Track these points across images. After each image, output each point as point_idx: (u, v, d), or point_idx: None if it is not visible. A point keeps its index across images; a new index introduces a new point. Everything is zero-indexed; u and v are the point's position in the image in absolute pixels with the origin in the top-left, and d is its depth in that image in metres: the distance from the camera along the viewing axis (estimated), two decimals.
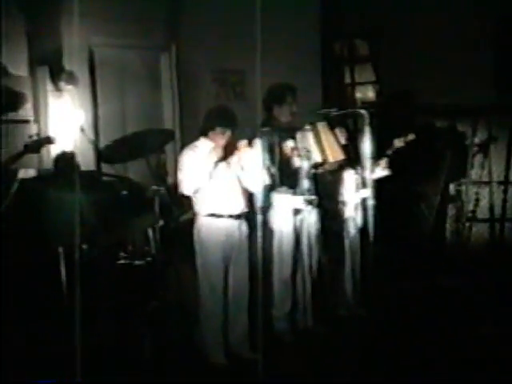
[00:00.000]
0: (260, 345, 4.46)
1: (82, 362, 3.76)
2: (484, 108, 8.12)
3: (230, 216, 5.32)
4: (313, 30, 8.64)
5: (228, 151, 5.32)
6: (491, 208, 8.38)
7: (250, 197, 5.42)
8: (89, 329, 4.78)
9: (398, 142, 6.60)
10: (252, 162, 5.32)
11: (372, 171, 6.29)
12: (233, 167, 5.34)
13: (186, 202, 5.47)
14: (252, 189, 5.37)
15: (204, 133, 5.39)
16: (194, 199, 5.38)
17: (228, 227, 5.31)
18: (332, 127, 5.91)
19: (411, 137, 6.62)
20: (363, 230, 6.36)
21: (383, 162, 6.53)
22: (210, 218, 5.30)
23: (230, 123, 5.34)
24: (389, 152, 6.57)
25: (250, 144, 5.34)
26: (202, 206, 5.32)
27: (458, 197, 8.45)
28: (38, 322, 5.23)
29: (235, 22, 7.61)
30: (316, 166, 5.70)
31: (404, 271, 7.38)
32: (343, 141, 6.03)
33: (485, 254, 8.11)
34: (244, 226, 5.40)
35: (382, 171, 6.53)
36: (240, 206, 5.38)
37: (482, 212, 8.44)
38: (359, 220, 6.43)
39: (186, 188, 5.30)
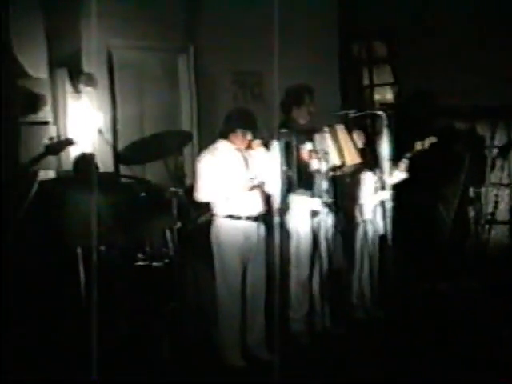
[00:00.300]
0: (277, 346, 4.46)
1: (100, 362, 3.79)
2: (503, 109, 8.08)
3: (248, 218, 5.32)
4: (330, 31, 8.62)
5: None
6: (511, 210, 8.33)
7: (267, 198, 5.41)
8: (107, 329, 4.83)
9: (420, 145, 6.56)
10: (267, 162, 5.32)
11: (391, 174, 6.29)
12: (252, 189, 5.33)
13: (203, 204, 5.47)
14: (270, 191, 5.37)
15: (224, 135, 5.37)
16: (211, 201, 5.37)
17: (246, 229, 5.31)
18: (350, 130, 5.89)
19: (433, 139, 6.58)
20: (381, 232, 6.36)
21: (403, 164, 6.50)
22: (227, 219, 5.30)
23: (251, 125, 5.33)
24: (409, 155, 6.53)
25: (265, 144, 5.34)
26: (219, 208, 5.32)
27: (477, 199, 8.40)
28: (56, 323, 5.25)
29: (253, 23, 7.60)
30: (334, 168, 5.69)
31: (422, 273, 7.35)
32: (360, 144, 6.02)
33: (504, 256, 8.05)
34: (262, 228, 5.39)
35: (401, 174, 6.51)
36: (258, 208, 5.37)
37: (502, 214, 8.39)
38: (377, 222, 6.41)
39: (204, 195, 5.31)
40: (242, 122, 5.32)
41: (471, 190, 8.35)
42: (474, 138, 8.42)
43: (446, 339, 5.74)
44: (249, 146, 5.33)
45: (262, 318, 5.36)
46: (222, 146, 5.36)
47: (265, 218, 5.39)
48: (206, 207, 5.49)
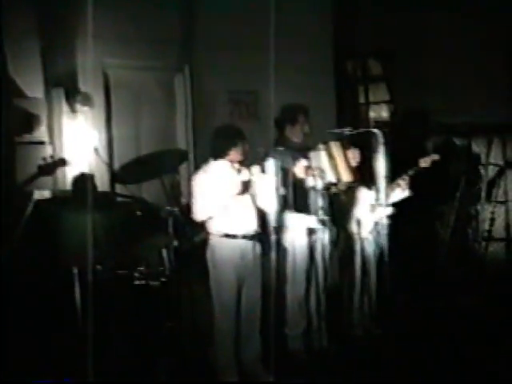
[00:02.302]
0: (272, 364, 4.44)
1: (97, 382, 3.76)
2: (499, 127, 8.10)
3: (244, 236, 5.31)
4: (326, 49, 8.65)
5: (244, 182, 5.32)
6: (507, 227, 8.34)
7: (263, 217, 5.41)
8: (104, 349, 4.81)
9: (423, 163, 6.54)
10: (265, 185, 5.32)
11: (392, 191, 6.28)
12: (247, 191, 5.33)
13: (199, 223, 5.47)
14: (266, 209, 5.37)
15: (220, 153, 5.34)
16: (207, 220, 5.37)
17: (242, 248, 5.30)
18: (345, 147, 5.90)
19: (435, 157, 6.56)
20: (378, 250, 6.35)
21: (404, 182, 6.48)
22: (223, 238, 5.29)
23: (243, 137, 5.35)
24: (411, 172, 6.51)
25: (262, 169, 5.34)
26: (215, 227, 5.32)
27: (473, 216, 8.40)
28: (52, 343, 5.22)
29: (249, 42, 7.64)
30: (329, 185, 5.69)
31: (419, 290, 7.33)
32: (356, 162, 6.01)
33: (501, 273, 8.04)
34: (257, 247, 5.38)
35: (402, 192, 6.49)
36: (254, 227, 5.36)
37: (498, 231, 8.39)
38: (374, 239, 6.40)
39: (199, 214, 5.30)
40: (238, 136, 5.33)
41: (467, 207, 8.35)
42: (469, 155, 8.43)
43: (444, 356, 5.72)
44: (241, 163, 5.33)
45: (257, 337, 5.34)
46: (217, 164, 5.35)
47: (260, 236, 5.39)
48: (202, 226, 5.48)
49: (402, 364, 5.43)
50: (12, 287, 5.24)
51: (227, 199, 5.23)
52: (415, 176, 6.56)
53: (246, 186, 5.28)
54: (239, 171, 5.34)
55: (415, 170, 6.52)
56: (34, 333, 5.27)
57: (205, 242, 5.42)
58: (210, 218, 5.29)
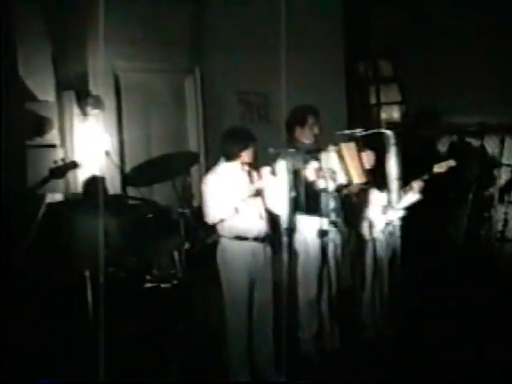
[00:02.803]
0: (284, 367, 4.43)
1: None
2: (511, 126, 8.07)
3: (255, 238, 5.30)
4: (337, 51, 8.65)
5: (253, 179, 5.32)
6: None
7: (274, 219, 5.40)
8: (116, 352, 4.81)
9: (438, 168, 6.50)
10: (276, 187, 5.32)
11: (404, 194, 6.25)
12: (258, 193, 5.32)
13: (211, 225, 5.46)
14: (277, 211, 5.36)
15: (230, 156, 5.35)
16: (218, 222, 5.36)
17: (253, 250, 5.29)
18: (358, 149, 5.87)
19: (452, 163, 6.52)
20: (390, 251, 6.33)
21: (417, 185, 6.44)
22: (234, 240, 5.28)
23: (254, 138, 5.35)
24: (425, 177, 6.47)
25: (273, 171, 5.33)
26: (226, 229, 5.31)
27: (486, 218, 8.37)
28: (64, 345, 5.23)
29: (259, 44, 7.65)
30: (341, 187, 5.67)
31: (432, 292, 7.31)
32: (368, 165, 5.98)
33: None
34: (268, 249, 5.37)
35: (414, 196, 6.46)
36: (265, 229, 5.35)
37: (511, 232, 8.36)
38: (386, 241, 6.38)
39: (211, 217, 5.28)
40: (248, 137, 5.32)
41: (480, 208, 8.31)
42: (482, 156, 8.40)
43: (457, 358, 5.69)
44: (251, 164, 5.33)
45: (270, 338, 5.33)
46: (228, 166, 5.35)
47: (271, 238, 5.38)
48: (213, 228, 5.48)
49: (414, 365, 5.40)
50: (24, 289, 5.26)
51: (239, 203, 5.21)
52: (432, 180, 6.51)
53: (258, 191, 5.27)
54: (250, 173, 5.34)
55: (429, 174, 6.48)
56: (46, 334, 5.28)
57: (216, 244, 5.42)
58: (222, 220, 5.29)
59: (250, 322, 5.29)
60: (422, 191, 6.46)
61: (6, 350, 4.88)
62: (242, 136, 5.37)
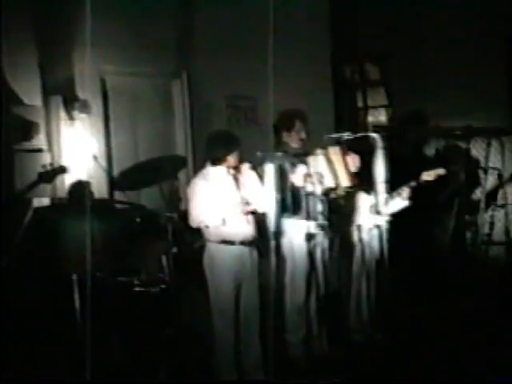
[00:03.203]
0: (271, 371, 4.43)
1: None
2: (497, 130, 8.10)
3: (242, 243, 5.29)
4: (324, 54, 8.67)
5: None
6: (507, 231, 8.32)
7: (260, 222, 5.40)
8: (102, 356, 4.80)
9: (427, 176, 6.51)
10: (256, 183, 5.32)
11: (392, 199, 6.27)
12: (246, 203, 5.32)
13: (197, 229, 5.46)
14: (260, 210, 5.36)
15: (217, 160, 5.34)
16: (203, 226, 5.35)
17: (239, 254, 5.28)
18: (344, 152, 5.89)
19: (441, 172, 6.54)
20: (377, 255, 6.33)
21: (405, 192, 6.46)
22: (221, 244, 5.27)
23: (239, 142, 5.35)
24: (413, 184, 6.48)
25: (253, 167, 5.33)
26: (212, 233, 5.30)
27: (473, 221, 8.38)
28: (51, 349, 5.21)
29: (247, 47, 7.66)
30: (328, 190, 5.68)
31: (419, 296, 7.32)
32: (354, 168, 5.99)
33: (502, 277, 8.03)
34: (255, 253, 5.37)
35: (402, 201, 6.48)
36: (251, 233, 5.35)
37: (498, 235, 8.38)
38: (373, 245, 6.39)
39: (196, 221, 5.28)
40: (235, 142, 5.33)
41: (467, 211, 8.33)
42: (468, 159, 8.42)
43: (445, 361, 5.71)
44: (237, 168, 5.33)
45: (257, 343, 5.32)
46: (214, 170, 5.35)
47: (258, 242, 5.37)
48: (200, 232, 5.47)
49: (403, 368, 5.41)
50: (12, 294, 5.24)
51: (227, 215, 5.21)
52: (420, 187, 6.53)
53: (245, 201, 5.27)
54: (236, 177, 5.33)
55: (417, 182, 6.49)
56: (33, 338, 5.26)
57: (204, 248, 5.41)
58: (206, 226, 5.28)
59: (236, 326, 5.29)
60: (410, 197, 6.47)
61: None
62: (226, 140, 5.37)
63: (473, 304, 7.19)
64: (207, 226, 5.28)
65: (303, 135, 5.84)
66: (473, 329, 6.45)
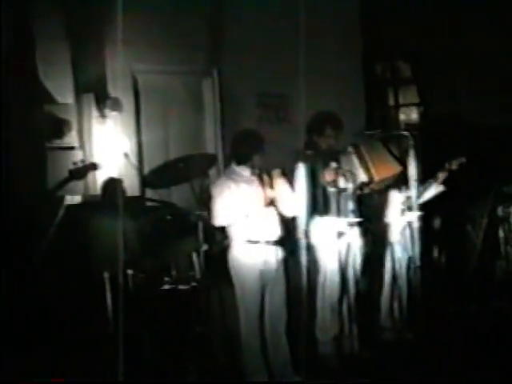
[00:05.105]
0: (303, 369, 4.41)
1: None
2: None
3: (267, 242, 5.28)
4: (355, 52, 8.63)
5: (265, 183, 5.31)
6: None
7: (286, 222, 5.38)
8: (134, 353, 4.82)
9: (448, 165, 6.52)
10: (287, 189, 5.30)
11: (428, 187, 6.27)
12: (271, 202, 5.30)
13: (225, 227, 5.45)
14: (288, 214, 5.34)
15: (242, 160, 5.34)
16: (229, 226, 5.32)
17: (265, 253, 5.25)
18: (378, 147, 5.88)
19: (462, 160, 6.55)
20: (409, 253, 6.30)
21: (442, 175, 6.47)
22: (246, 244, 5.24)
23: (264, 142, 5.33)
24: (448, 166, 6.50)
25: (283, 172, 5.32)
26: (238, 232, 5.28)
27: (506, 218, 8.30)
28: (83, 347, 5.25)
29: (277, 46, 7.65)
30: (362, 186, 5.67)
31: (451, 295, 7.27)
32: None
33: None
34: (280, 252, 5.33)
35: (438, 187, 6.47)
36: (277, 232, 5.33)
37: None
38: (405, 243, 6.35)
39: (219, 220, 5.26)
40: (261, 142, 5.31)
41: (500, 209, 8.24)
42: (501, 156, 8.33)
43: (475, 362, 5.65)
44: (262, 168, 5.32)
45: (284, 341, 5.30)
46: (238, 169, 5.33)
47: (283, 241, 5.35)
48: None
49: (434, 367, 5.37)
50: (44, 291, 5.29)
51: (250, 211, 5.20)
52: (452, 172, 6.53)
53: (270, 199, 5.25)
54: (261, 177, 5.31)
55: (458, 161, 6.50)
56: (65, 335, 5.30)
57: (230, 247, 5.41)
58: (230, 224, 5.27)
59: (263, 325, 5.28)
60: (445, 184, 6.48)
61: (23, 351, 4.90)
62: (252, 140, 5.35)
63: (504, 304, 7.13)
64: (230, 224, 5.28)
65: (332, 141, 5.78)
66: (504, 329, 6.39)
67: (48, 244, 5.46)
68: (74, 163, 5.10)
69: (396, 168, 5.98)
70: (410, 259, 6.26)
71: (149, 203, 6.55)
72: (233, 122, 7.67)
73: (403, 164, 5.94)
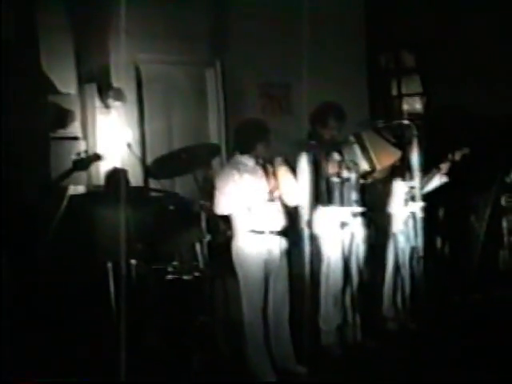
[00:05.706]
0: (306, 359, 4.42)
1: (129, 375, 3.78)
2: None
3: (271, 232, 5.27)
4: (358, 42, 8.61)
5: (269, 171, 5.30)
6: None
7: (290, 212, 5.38)
8: (137, 343, 4.84)
9: (457, 155, 6.52)
10: (289, 178, 5.30)
11: (432, 177, 6.28)
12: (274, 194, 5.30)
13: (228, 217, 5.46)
14: (291, 204, 5.34)
15: (246, 149, 5.33)
16: (232, 216, 5.32)
17: (268, 243, 5.25)
18: (378, 137, 5.88)
19: (465, 151, 6.54)
20: (412, 243, 6.30)
21: (445, 166, 6.47)
22: (250, 234, 5.24)
23: (269, 131, 5.33)
24: (451, 157, 6.49)
25: (286, 161, 5.31)
26: (241, 223, 5.27)
27: (509, 209, 8.29)
28: (85, 336, 5.26)
29: (280, 36, 7.63)
30: (365, 174, 5.67)
31: (454, 285, 7.27)
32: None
33: None
34: (284, 242, 5.33)
35: (441, 178, 6.47)
36: (280, 222, 5.33)
37: None
38: (408, 233, 6.36)
39: (220, 209, 5.25)
40: (265, 131, 5.31)
41: (503, 199, 8.24)
42: (505, 147, 8.32)
43: (479, 351, 5.66)
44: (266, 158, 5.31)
45: (287, 331, 5.31)
46: (242, 159, 5.32)
47: (287, 231, 5.35)
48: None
49: (436, 358, 5.38)
50: (48, 281, 5.30)
51: (253, 203, 5.20)
52: (456, 162, 6.53)
53: (274, 191, 5.25)
54: (265, 166, 5.30)
55: (462, 151, 6.50)
56: (68, 325, 5.31)
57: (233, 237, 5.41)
58: (232, 213, 5.27)
59: (265, 316, 5.28)
60: (448, 174, 6.48)
61: (27, 339, 4.92)
62: (255, 129, 5.34)
63: (506, 294, 7.14)
64: (232, 214, 5.28)
65: (336, 132, 5.77)
66: (506, 319, 6.39)
67: (51, 234, 5.46)
68: (78, 154, 5.11)
69: (397, 154, 5.98)
70: (413, 249, 6.27)
71: (152, 193, 6.55)
72: (236, 112, 7.66)
73: (404, 151, 5.95)
